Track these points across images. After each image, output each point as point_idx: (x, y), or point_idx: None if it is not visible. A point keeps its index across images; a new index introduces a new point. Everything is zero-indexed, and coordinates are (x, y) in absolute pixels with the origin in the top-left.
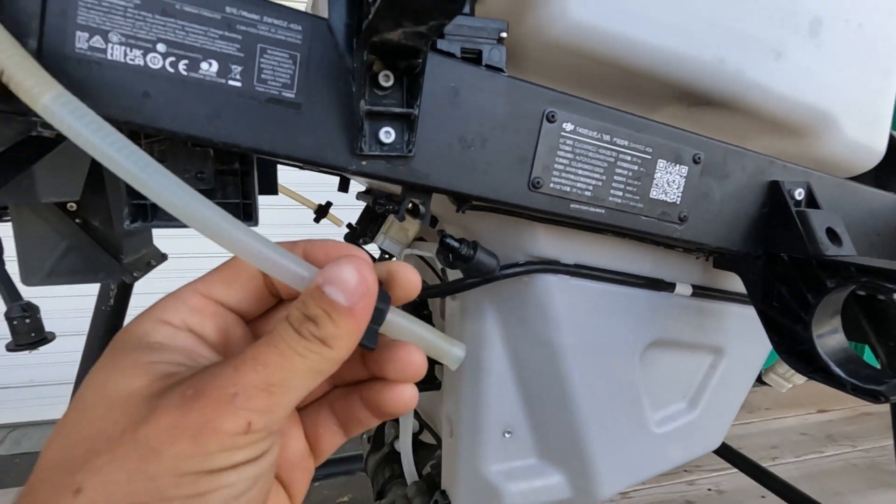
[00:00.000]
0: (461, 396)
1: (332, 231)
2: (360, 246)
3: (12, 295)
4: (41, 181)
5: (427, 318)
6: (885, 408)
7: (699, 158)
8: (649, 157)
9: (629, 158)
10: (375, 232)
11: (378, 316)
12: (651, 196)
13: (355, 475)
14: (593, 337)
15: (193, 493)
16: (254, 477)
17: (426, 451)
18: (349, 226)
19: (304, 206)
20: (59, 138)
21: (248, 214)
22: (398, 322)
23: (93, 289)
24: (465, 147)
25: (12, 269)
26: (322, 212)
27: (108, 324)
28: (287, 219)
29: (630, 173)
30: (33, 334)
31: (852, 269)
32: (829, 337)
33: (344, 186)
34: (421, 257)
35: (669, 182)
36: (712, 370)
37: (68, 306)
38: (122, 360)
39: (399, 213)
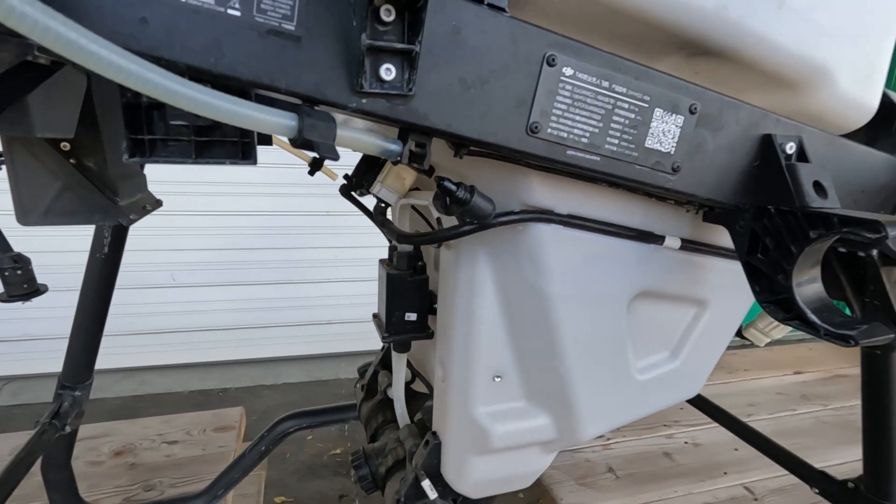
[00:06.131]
0: (453, 342)
1: (327, 182)
2: (355, 198)
3: (2, 247)
4: (36, 114)
5: (421, 269)
6: (858, 370)
7: (695, 109)
8: (646, 105)
9: (626, 106)
10: (372, 181)
11: None
12: (646, 145)
13: (349, 423)
14: (583, 287)
15: None
16: None
17: (417, 399)
18: (345, 177)
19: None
20: (55, 65)
21: (246, 154)
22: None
23: (88, 244)
24: (465, 88)
25: (6, 221)
26: (317, 165)
27: (102, 272)
28: (282, 178)
29: (627, 121)
30: (25, 285)
31: (835, 220)
32: (808, 286)
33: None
34: (414, 208)
35: (665, 132)
36: (695, 322)
37: (64, 261)
38: None
39: (402, 155)
